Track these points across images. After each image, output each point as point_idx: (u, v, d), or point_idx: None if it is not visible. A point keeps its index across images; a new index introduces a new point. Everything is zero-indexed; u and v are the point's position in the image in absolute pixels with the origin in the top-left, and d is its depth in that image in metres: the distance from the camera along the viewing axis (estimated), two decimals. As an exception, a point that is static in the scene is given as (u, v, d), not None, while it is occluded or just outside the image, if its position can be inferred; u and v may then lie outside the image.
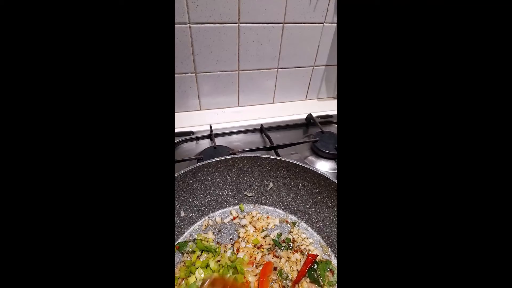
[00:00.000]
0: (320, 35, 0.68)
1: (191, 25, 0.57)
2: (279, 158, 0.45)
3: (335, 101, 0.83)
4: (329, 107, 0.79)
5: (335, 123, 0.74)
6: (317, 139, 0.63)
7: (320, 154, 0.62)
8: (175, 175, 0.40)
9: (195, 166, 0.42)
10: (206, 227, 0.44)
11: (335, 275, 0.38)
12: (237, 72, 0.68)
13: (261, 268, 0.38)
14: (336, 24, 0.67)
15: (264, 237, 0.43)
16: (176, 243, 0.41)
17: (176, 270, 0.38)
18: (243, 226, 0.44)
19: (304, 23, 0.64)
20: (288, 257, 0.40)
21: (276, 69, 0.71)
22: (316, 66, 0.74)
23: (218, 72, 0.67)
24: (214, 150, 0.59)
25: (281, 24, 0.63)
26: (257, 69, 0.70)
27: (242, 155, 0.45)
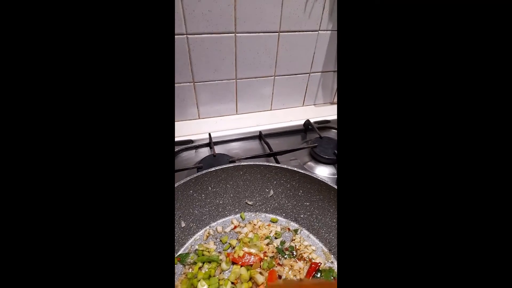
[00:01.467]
0: (316, 42, 0.69)
1: (188, 35, 0.58)
2: (278, 165, 0.45)
3: (332, 107, 0.84)
4: (327, 113, 0.80)
5: (332, 128, 0.75)
6: (316, 144, 0.63)
7: (319, 160, 0.62)
8: (175, 185, 0.40)
9: (195, 175, 0.41)
10: (208, 237, 0.44)
11: (339, 283, 0.37)
12: (234, 80, 0.69)
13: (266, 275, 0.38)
14: (330, 32, 0.69)
15: (267, 245, 0.42)
16: (177, 254, 0.41)
17: (177, 283, 0.37)
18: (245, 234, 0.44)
19: (299, 31, 0.66)
20: (291, 266, 0.39)
21: (273, 77, 0.72)
22: (312, 72, 0.75)
23: (216, 81, 0.68)
24: (214, 158, 0.59)
25: (277, 33, 0.64)
26: (255, 77, 0.70)
27: (241, 163, 0.45)
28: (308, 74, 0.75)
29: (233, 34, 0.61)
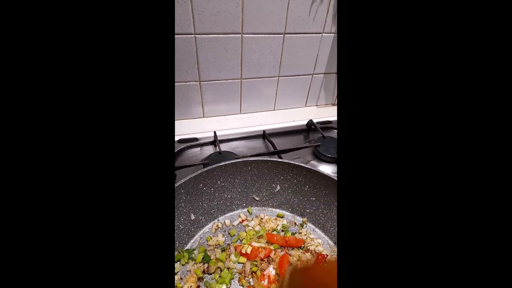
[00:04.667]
0: (319, 44, 0.71)
1: (196, 35, 0.60)
2: (286, 161, 0.46)
3: (334, 108, 0.86)
4: (328, 114, 0.82)
5: (335, 128, 0.76)
6: (319, 143, 0.65)
7: (322, 158, 0.63)
8: (186, 179, 0.41)
9: (205, 169, 0.42)
10: (216, 229, 0.45)
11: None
12: (239, 80, 0.71)
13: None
14: (334, 34, 0.71)
15: (274, 238, 0.43)
16: (186, 247, 0.42)
17: (189, 277, 0.38)
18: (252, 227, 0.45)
19: (303, 33, 0.68)
20: (299, 257, 0.40)
21: (277, 77, 0.74)
22: (315, 74, 0.77)
23: (222, 80, 0.69)
24: (220, 156, 0.60)
25: (282, 35, 0.66)
26: (259, 77, 0.72)
27: (250, 159, 0.46)
28: (311, 76, 0.77)
29: (240, 35, 0.63)
